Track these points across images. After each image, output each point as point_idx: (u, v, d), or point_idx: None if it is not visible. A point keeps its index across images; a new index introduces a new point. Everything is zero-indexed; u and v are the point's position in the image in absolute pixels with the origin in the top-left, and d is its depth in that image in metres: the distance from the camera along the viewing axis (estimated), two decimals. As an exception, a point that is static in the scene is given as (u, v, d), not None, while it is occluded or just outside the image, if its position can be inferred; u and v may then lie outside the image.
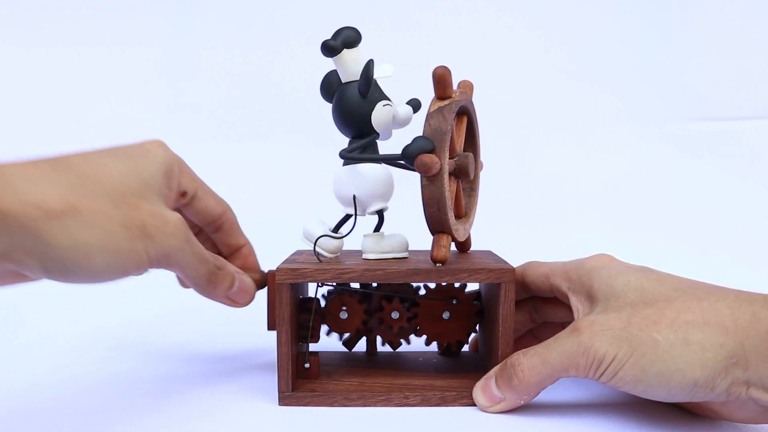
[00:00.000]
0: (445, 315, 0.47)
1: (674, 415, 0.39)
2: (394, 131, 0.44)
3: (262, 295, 0.46)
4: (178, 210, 0.41)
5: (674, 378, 0.34)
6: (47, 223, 0.32)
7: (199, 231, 0.45)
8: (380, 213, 0.44)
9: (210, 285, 0.41)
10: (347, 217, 0.44)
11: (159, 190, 0.38)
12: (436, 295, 0.47)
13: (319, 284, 0.45)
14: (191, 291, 0.43)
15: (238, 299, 0.43)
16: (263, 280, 0.46)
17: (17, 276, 0.34)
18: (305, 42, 0.69)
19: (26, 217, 0.31)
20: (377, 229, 0.44)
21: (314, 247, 0.43)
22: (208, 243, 0.47)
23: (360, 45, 0.42)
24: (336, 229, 0.44)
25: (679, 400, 0.35)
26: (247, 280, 0.44)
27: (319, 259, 0.43)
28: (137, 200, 0.36)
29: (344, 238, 0.44)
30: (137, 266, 0.36)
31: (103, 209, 0.34)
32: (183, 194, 0.42)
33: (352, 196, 0.42)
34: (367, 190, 0.42)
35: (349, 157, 0.42)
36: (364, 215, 0.44)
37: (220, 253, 0.47)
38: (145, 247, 0.36)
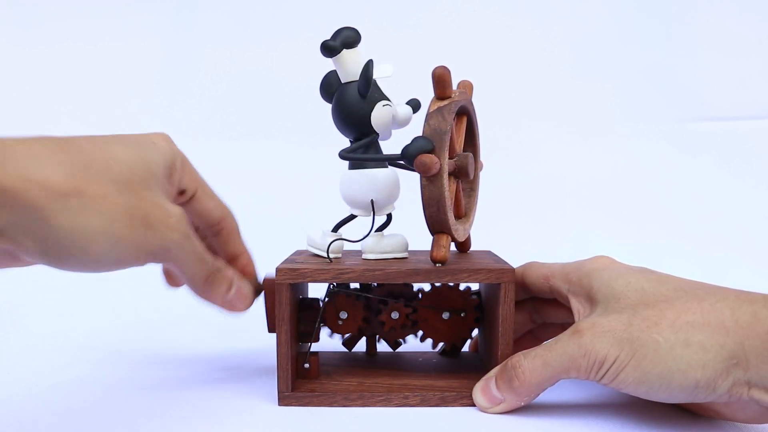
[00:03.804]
0: (445, 315, 0.47)
1: (675, 415, 0.39)
2: (393, 131, 0.44)
3: (259, 299, 0.46)
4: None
5: (675, 379, 0.34)
6: (50, 202, 0.31)
7: (200, 235, 0.44)
8: (389, 214, 0.45)
9: (207, 286, 0.40)
10: (351, 217, 0.44)
11: (161, 182, 0.37)
12: (436, 296, 0.47)
13: (333, 286, 0.45)
14: (190, 292, 0.42)
15: (235, 304, 0.42)
16: (260, 288, 0.45)
17: (11, 258, 0.34)
18: (305, 42, 0.69)
19: (29, 194, 0.30)
20: (381, 229, 0.45)
21: (327, 250, 0.43)
22: (207, 247, 0.44)
23: (359, 45, 0.42)
24: (336, 228, 0.44)
25: (681, 401, 0.35)
26: (246, 286, 0.43)
27: (330, 260, 0.43)
28: (142, 189, 0.35)
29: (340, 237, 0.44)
30: (136, 257, 0.35)
31: (108, 194, 0.33)
32: (181, 192, 0.41)
33: (369, 201, 0.42)
34: (385, 195, 0.43)
35: (350, 157, 0.42)
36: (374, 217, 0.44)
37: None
38: (146, 238, 0.35)
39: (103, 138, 0.36)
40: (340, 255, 0.45)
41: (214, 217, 0.43)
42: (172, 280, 0.43)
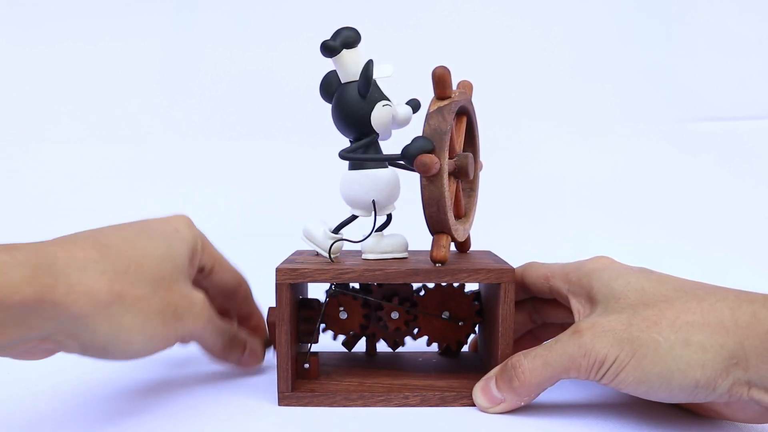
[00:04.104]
0: (445, 315, 0.47)
1: (675, 415, 0.39)
2: (393, 131, 0.44)
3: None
4: (195, 281, 0.44)
5: (675, 379, 0.34)
6: (95, 311, 0.34)
7: (213, 298, 0.47)
8: (389, 214, 0.45)
9: (225, 353, 0.45)
10: (353, 218, 0.44)
11: (186, 270, 0.41)
12: (435, 297, 0.47)
13: (332, 286, 0.45)
14: (207, 356, 0.46)
15: (248, 363, 0.47)
16: (269, 343, 0.49)
17: (50, 352, 0.36)
18: (305, 42, 0.69)
19: (76, 306, 0.33)
20: (381, 229, 0.44)
21: (329, 251, 0.43)
22: (221, 308, 0.48)
23: (359, 45, 0.42)
24: (338, 229, 0.44)
25: (681, 401, 0.35)
26: (257, 346, 0.47)
27: (331, 260, 0.43)
28: (171, 283, 0.39)
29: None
30: (166, 345, 0.39)
31: (143, 295, 0.36)
32: (200, 270, 0.44)
33: (371, 201, 0.42)
34: (386, 195, 0.43)
35: (350, 157, 0.42)
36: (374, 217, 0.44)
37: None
38: (176, 329, 0.39)
39: (132, 232, 0.40)
40: (338, 255, 0.44)
41: (230, 288, 0.47)
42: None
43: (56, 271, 0.33)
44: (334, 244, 0.43)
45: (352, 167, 0.43)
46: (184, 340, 0.41)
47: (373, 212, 0.43)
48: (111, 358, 0.37)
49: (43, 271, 0.32)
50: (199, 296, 0.41)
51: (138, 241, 0.39)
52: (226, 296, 0.47)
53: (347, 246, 0.44)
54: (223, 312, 0.48)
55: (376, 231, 0.44)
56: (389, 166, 0.43)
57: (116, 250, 0.37)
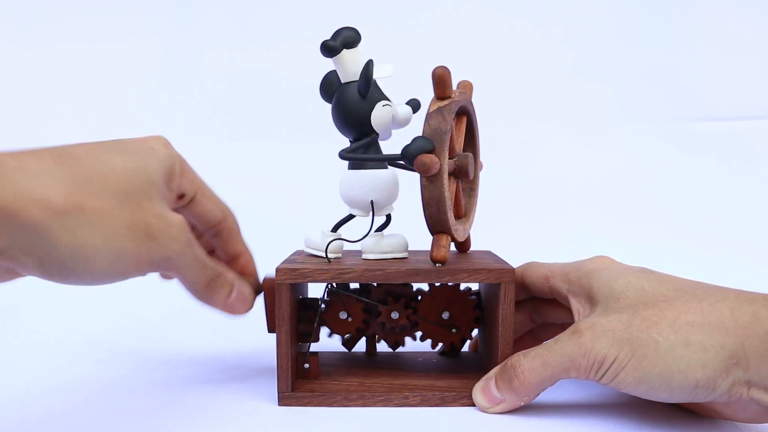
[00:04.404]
0: (445, 315, 0.47)
1: (674, 415, 0.39)
2: (393, 131, 0.44)
3: (259, 298, 0.46)
4: (176, 211, 0.40)
5: (675, 379, 0.34)
6: (50, 220, 0.30)
7: (198, 234, 0.44)
8: (388, 215, 0.45)
9: (208, 291, 0.40)
10: (350, 217, 0.44)
11: (162, 190, 0.37)
12: (435, 296, 0.47)
13: (329, 286, 0.45)
14: (190, 296, 0.42)
15: (236, 308, 0.42)
16: (260, 288, 0.45)
17: (9, 273, 0.33)
18: (305, 42, 0.69)
19: (28, 214, 0.30)
20: (381, 229, 0.45)
21: (326, 250, 0.43)
22: (207, 246, 0.45)
23: (359, 45, 0.42)
24: (335, 228, 0.44)
25: (681, 401, 0.35)
26: (246, 289, 0.43)
27: (329, 260, 0.43)
28: (143, 200, 0.34)
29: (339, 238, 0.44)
30: (137, 269, 0.35)
31: (108, 208, 0.32)
32: (181, 196, 0.41)
33: (369, 201, 0.42)
34: (385, 195, 0.43)
35: (350, 157, 0.42)
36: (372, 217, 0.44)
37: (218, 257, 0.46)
38: (148, 250, 0.34)
39: (101, 146, 0.35)
40: (340, 255, 0.45)
41: (214, 219, 0.43)
42: (167, 275, 0.42)
43: (2, 175, 0.29)
44: (333, 244, 0.43)
45: (351, 167, 0.43)
46: (160, 267, 0.37)
47: (371, 212, 0.43)
48: (75, 279, 0.33)
49: None
50: (177, 217, 0.36)
51: (105, 154, 0.35)
52: (211, 231, 0.43)
53: (347, 246, 0.44)
54: (208, 251, 0.43)
55: (376, 231, 0.44)
56: (389, 167, 0.43)
57: (78, 161, 0.33)
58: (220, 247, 0.44)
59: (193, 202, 0.41)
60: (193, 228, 0.40)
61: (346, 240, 0.43)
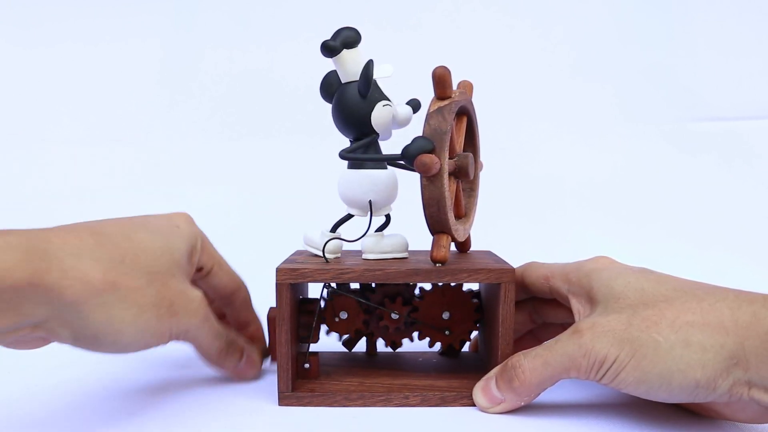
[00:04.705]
0: (445, 315, 0.47)
1: (675, 415, 0.39)
2: (393, 131, 0.44)
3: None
4: (193, 282, 0.43)
5: (675, 379, 0.34)
6: (89, 298, 0.33)
7: (210, 301, 0.46)
8: (387, 215, 0.44)
9: (220, 359, 0.44)
10: (348, 216, 0.44)
11: (184, 267, 0.40)
12: (435, 296, 0.47)
13: (326, 286, 0.45)
14: (203, 360, 0.45)
15: (245, 373, 0.45)
16: (267, 352, 0.48)
17: (42, 341, 0.36)
18: (305, 42, 0.69)
19: (70, 291, 0.32)
20: (381, 229, 0.44)
21: (323, 250, 0.43)
22: (217, 311, 0.47)
23: (359, 45, 0.42)
24: (334, 228, 0.44)
25: (681, 401, 0.35)
26: (255, 355, 0.46)
27: (326, 260, 0.43)
28: (167, 278, 0.38)
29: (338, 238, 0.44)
30: (159, 341, 0.39)
31: (138, 286, 0.36)
32: (200, 269, 0.44)
33: (368, 201, 0.42)
34: (384, 196, 0.43)
35: (350, 157, 0.42)
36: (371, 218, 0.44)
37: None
38: (170, 325, 0.38)
39: (131, 225, 0.39)
40: (339, 255, 0.44)
41: (227, 290, 0.46)
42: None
43: (49, 256, 0.32)
44: (333, 243, 0.43)
45: (350, 167, 0.43)
46: (179, 339, 0.40)
47: (369, 212, 0.43)
48: (103, 350, 0.36)
49: (36, 254, 0.32)
50: (196, 293, 0.41)
51: (136, 233, 0.38)
52: (224, 300, 0.47)
53: (347, 246, 0.44)
54: (221, 318, 0.47)
55: (375, 231, 0.44)
56: (388, 167, 0.43)
57: (113, 239, 0.36)
58: (231, 315, 0.48)
59: (210, 274, 0.45)
60: (207, 297, 0.43)
61: (344, 239, 0.43)
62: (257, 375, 0.46)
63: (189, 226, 0.42)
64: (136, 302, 0.36)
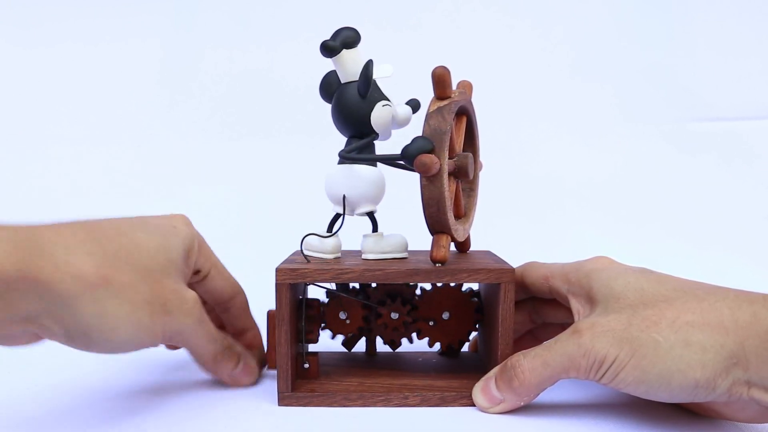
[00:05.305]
0: (445, 315, 0.47)
1: (675, 415, 0.39)
2: (393, 131, 0.44)
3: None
4: (190, 286, 0.42)
5: (675, 379, 0.34)
6: (81, 292, 0.33)
7: (209, 309, 0.46)
8: (370, 215, 0.44)
9: (214, 364, 0.43)
10: (337, 216, 0.44)
11: (180, 267, 0.40)
12: (434, 297, 0.47)
13: (324, 286, 0.45)
14: (198, 366, 0.44)
15: (241, 379, 0.45)
16: (265, 360, 0.47)
17: (33, 337, 0.35)
18: (305, 42, 0.69)
19: (62, 285, 0.32)
20: (373, 231, 0.44)
21: (300, 246, 0.43)
22: (216, 321, 0.47)
23: (359, 45, 0.42)
24: (329, 228, 0.44)
25: (681, 401, 0.35)
26: (252, 362, 0.45)
27: (307, 260, 0.43)
28: (162, 276, 0.38)
29: (337, 237, 0.44)
30: (152, 340, 0.38)
31: (132, 283, 0.35)
32: (197, 272, 0.43)
33: (342, 196, 0.42)
34: (358, 191, 0.42)
35: (347, 157, 0.42)
36: (352, 215, 0.43)
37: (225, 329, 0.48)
38: (163, 324, 0.37)
39: (127, 223, 0.39)
40: (339, 255, 0.44)
41: (225, 296, 0.46)
42: (172, 346, 0.45)
43: (41, 249, 0.32)
44: (331, 243, 0.43)
45: (339, 163, 0.43)
46: (173, 339, 0.40)
47: (342, 208, 0.42)
48: (95, 348, 0.36)
49: (27, 248, 0.31)
50: (191, 294, 0.40)
51: (132, 231, 0.38)
52: (222, 306, 0.46)
53: (347, 246, 0.44)
54: (218, 325, 0.46)
55: (373, 232, 0.44)
56: (377, 167, 0.43)
57: (107, 235, 0.36)
58: (229, 321, 0.47)
59: (207, 278, 0.44)
60: (204, 303, 0.43)
61: (318, 235, 0.43)
62: (253, 382, 0.45)
63: (186, 227, 0.42)
64: (129, 298, 0.35)
